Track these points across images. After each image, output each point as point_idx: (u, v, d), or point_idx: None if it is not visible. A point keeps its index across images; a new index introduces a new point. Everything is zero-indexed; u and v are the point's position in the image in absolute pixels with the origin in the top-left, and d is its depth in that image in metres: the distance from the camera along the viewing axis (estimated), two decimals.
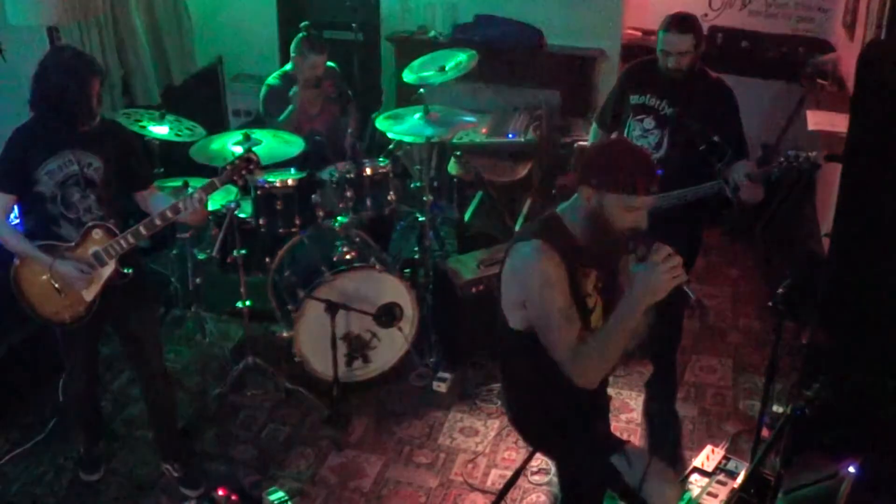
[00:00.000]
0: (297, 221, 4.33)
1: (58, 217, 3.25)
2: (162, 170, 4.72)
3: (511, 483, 2.88)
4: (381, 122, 4.59)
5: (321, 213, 4.30)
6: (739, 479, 3.36)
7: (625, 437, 3.94)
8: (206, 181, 3.42)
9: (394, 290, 4.20)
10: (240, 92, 6.57)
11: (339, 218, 4.28)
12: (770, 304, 3.08)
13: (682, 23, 3.61)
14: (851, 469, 2.91)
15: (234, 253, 4.13)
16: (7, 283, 3.33)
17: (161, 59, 5.97)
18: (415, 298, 4.27)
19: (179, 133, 4.59)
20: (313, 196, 4.30)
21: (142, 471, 3.83)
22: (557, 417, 2.75)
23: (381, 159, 4.60)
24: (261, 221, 4.32)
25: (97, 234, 3.28)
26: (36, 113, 3.22)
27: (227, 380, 4.28)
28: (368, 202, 4.40)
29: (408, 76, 4.92)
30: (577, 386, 2.51)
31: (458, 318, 4.40)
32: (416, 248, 5.10)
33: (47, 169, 3.19)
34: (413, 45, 6.02)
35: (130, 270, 3.35)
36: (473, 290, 4.34)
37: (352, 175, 4.31)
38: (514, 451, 3.94)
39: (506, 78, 6.02)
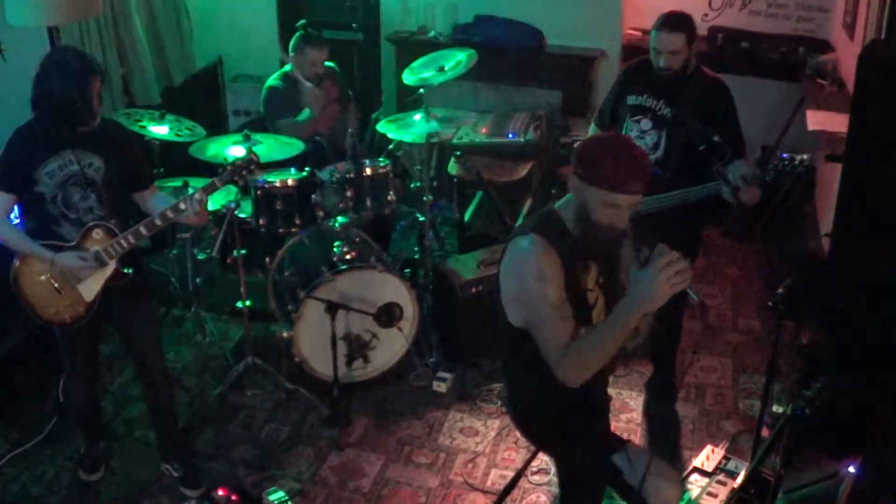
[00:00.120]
0: (297, 221, 4.33)
1: (58, 217, 3.25)
2: (162, 170, 4.72)
3: (513, 484, 2.88)
4: (383, 126, 4.59)
5: (321, 213, 4.31)
6: (739, 479, 3.37)
7: (625, 437, 3.94)
8: (206, 181, 3.42)
9: (394, 290, 4.20)
10: (240, 92, 6.57)
11: (339, 218, 4.28)
12: (770, 304, 3.08)
13: (673, 21, 3.59)
14: (851, 469, 2.92)
15: (234, 253, 4.13)
16: (7, 283, 3.34)
17: (161, 59, 5.97)
18: (415, 298, 4.27)
19: (179, 133, 4.59)
20: (313, 196, 4.30)
21: (142, 471, 3.83)
22: (558, 415, 2.75)
23: (381, 159, 4.60)
24: (261, 221, 4.32)
25: (97, 234, 3.28)
26: (37, 113, 3.22)
27: (227, 380, 4.28)
28: (368, 202, 4.39)
29: (408, 76, 4.92)
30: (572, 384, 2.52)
31: (458, 318, 4.40)
32: (416, 248, 5.11)
33: (48, 169, 3.19)
34: (413, 46, 6.02)
35: (131, 270, 3.35)
36: (473, 290, 4.34)
37: (352, 175, 4.31)
38: (514, 451, 3.94)
39: (506, 78, 6.02)
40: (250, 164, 3.46)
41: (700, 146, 3.51)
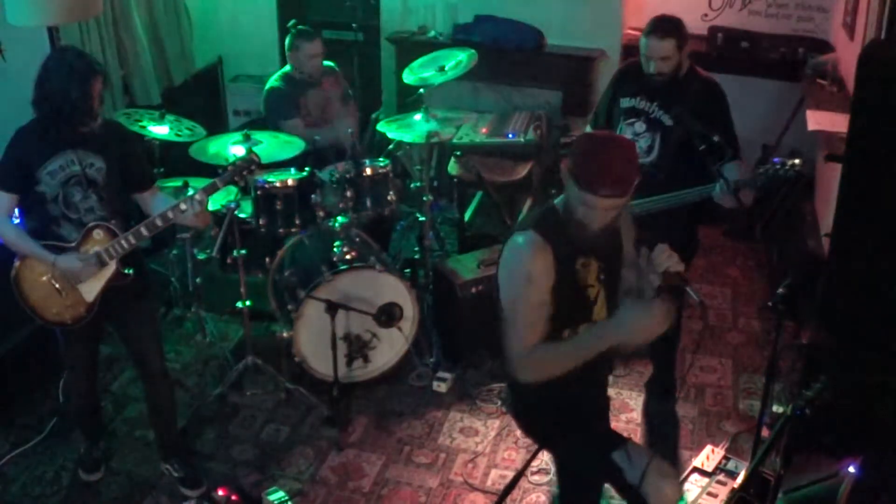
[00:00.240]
0: (297, 221, 4.33)
1: (59, 217, 3.25)
2: (162, 170, 4.72)
3: (513, 484, 2.88)
4: (383, 126, 4.59)
5: (321, 213, 4.30)
6: (739, 479, 3.37)
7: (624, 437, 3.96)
8: (207, 181, 3.42)
9: (394, 290, 4.20)
10: (240, 92, 6.57)
11: (339, 218, 4.28)
12: (770, 304, 3.08)
13: (663, 28, 3.56)
14: (851, 469, 2.92)
15: (234, 253, 4.13)
16: (8, 284, 3.33)
17: (161, 59, 5.97)
18: (415, 298, 4.27)
19: (179, 133, 4.59)
20: (313, 196, 4.30)
21: (142, 471, 3.83)
22: (558, 413, 2.75)
23: (381, 159, 4.60)
24: (261, 221, 4.32)
25: (98, 234, 3.28)
26: (38, 113, 3.22)
27: (227, 380, 4.28)
28: (368, 202, 4.40)
29: (408, 76, 4.92)
30: (578, 381, 2.54)
31: (458, 318, 4.40)
32: (416, 248, 5.11)
33: (49, 168, 3.19)
34: (413, 46, 6.02)
35: (131, 271, 3.35)
36: (473, 290, 4.34)
37: (352, 175, 4.31)
38: (514, 451, 3.94)
39: (506, 78, 6.02)
40: (251, 164, 3.47)
41: (700, 146, 3.51)
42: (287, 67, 4.98)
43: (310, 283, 4.10)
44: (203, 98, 6.43)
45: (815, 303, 3.53)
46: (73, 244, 3.26)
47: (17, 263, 3.31)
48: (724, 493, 3.35)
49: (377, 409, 4.23)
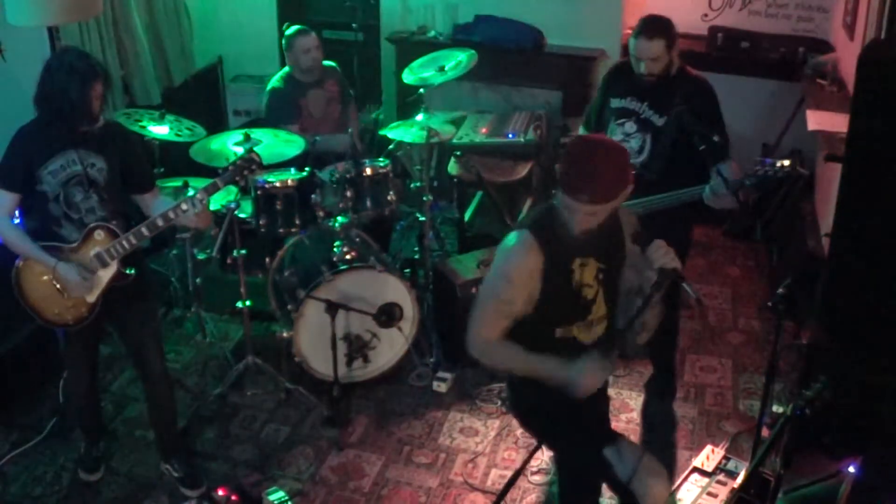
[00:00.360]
0: (297, 221, 4.33)
1: (60, 217, 3.25)
2: (162, 170, 4.72)
3: (511, 483, 2.88)
4: (383, 130, 4.61)
5: (321, 213, 4.31)
6: (739, 479, 3.37)
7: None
8: (207, 181, 3.42)
9: (394, 290, 4.20)
10: (240, 92, 6.57)
11: (339, 218, 4.28)
12: (770, 304, 3.08)
13: (652, 28, 3.55)
14: (851, 469, 2.92)
15: (234, 253, 4.13)
16: (8, 284, 3.33)
17: (161, 59, 5.97)
18: (415, 298, 4.27)
19: (179, 133, 4.59)
20: (313, 196, 4.30)
21: (142, 471, 3.84)
22: (555, 408, 2.75)
23: (381, 159, 4.60)
24: (261, 221, 4.32)
25: (99, 234, 3.28)
26: (39, 112, 3.22)
27: (227, 380, 4.28)
28: (368, 202, 4.40)
29: (408, 76, 4.92)
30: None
31: (458, 318, 4.38)
32: (416, 248, 5.10)
33: (50, 168, 3.19)
34: (413, 46, 6.01)
35: (133, 271, 3.35)
36: (473, 290, 4.33)
37: (352, 175, 4.31)
38: (514, 451, 3.94)
39: (506, 78, 6.02)
40: (251, 164, 3.47)
41: (700, 147, 3.51)
42: (287, 68, 4.98)
43: (310, 283, 4.10)
44: (203, 98, 6.43)
45: (815, 303, 3.53)
46: (73, 245, 3.26)
47: (18, 263, 3.31)
48: (724, 493, 3.35)
49: (377, 409, 4.23)
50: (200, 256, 4.58)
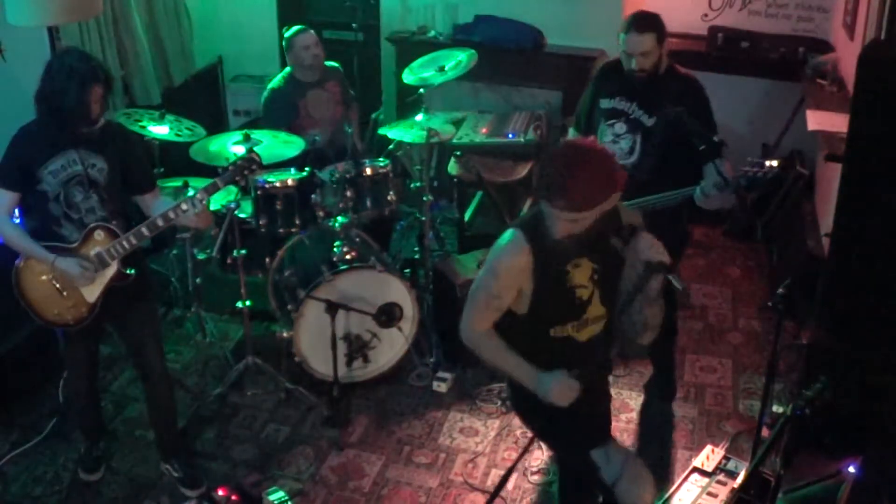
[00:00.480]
0: (297, 221, 4.33)
1: (60, 217, 3.25)
2: (162, 170, 4.72)
3: (504, 480, 2.88)
4: (382, 129, 4.60)
5: (321, 213, 4.31)
6: (739, 479, 3.37)
7: (624, 437, 3.97)
8: (207, 181, 3.42)
9: (394, 290, 4.20)
10: (240, 92, 6.57)
11: (339, 218, 4.28)
12: (770, 304, 3.08)
13: (642, 22, 3.53)
14: (851, 469, 2.92)
15: (234, 253, 4.13)
16: (8, 284, 3.33)
17: (161, 59, 5.97)
18: (415, 298, 4.27)
19: (179, 133, 4.59)
20: (313, 196, 4.30)
21: (142, 471, 3.84)
22: (553, 406, 2.75)
23: (381, 159, 4.60)
24: (261, 221, 4.32)
25: (99, 235, 3.28)
26: (38, 112, 3.22)
27: (227, 380, 4.28)
28: (368, 202, 4.40)
29: (408, 76, 4.92)
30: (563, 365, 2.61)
31: (458, 318, 4.38)
32: (416, 248, 5.10)
33: (51, 168, 3.19)
34: (413, 46, 6.01)
35: (133, 271, 3.35)
36: None
37: (352, 175, 4.31)
38: (513, 451, 3.94)
39: (506, 78, 6.01)
40: (251, 164, 3.47)
41: (700, 146, 3.50)
42: (289, 68, 4.98)
43: (310, 283, 4.10)
44: (203, 98, 6.43)
45: (815, 303, 3.53)
46: (74, 245, 3.26)
47: (18, 263, 3.31)
48: (724, 493, 3.35)
49: (377, 409, 4.23)
50: (200, 256, 4.58)
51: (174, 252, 4.89)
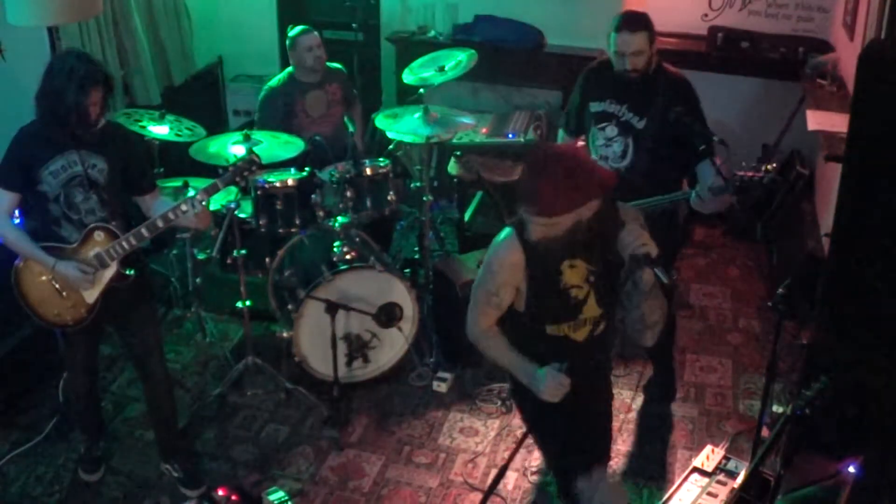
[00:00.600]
0: (297, 221, 4.33)
1: (60, 218, 3.25)
2: (162, 170, 4.72)
3: (499, 477, 2.87)
4: (380, 121, 4.60)
5: (321, 213, 4.31)
6: (739, 479, 3.36)
7: (624, 436, 3.97)
8: (207, 182, 3.42)
9: (394, 290, 4.20)
10: (240, 92, 6.57)
11: (339, 218, 4.28)
12: (770, 304, 3.08)
13: (634, 21, 3.52)
14: (851, 469, 2.91)
15: (234, 253, 4.13)
16: (8, 284, 3.33)
17: (161, 59, 5.97)
18: (415, 298, 4.27)
19: (179, 133, 4.60)
20: (313, 196, 4.30)
21: (142, 471, 3.84)
22: (528, 391, 2.76)
23: (381, 159, 4.60)
24: (261, 221, 4.32)
25: (98, 235, 3.28)
26: (38, 112, 3.22)
27: (227, 380, 4.28)
28: (368, 202, 4.40)
29: (408, 76, 4.92)
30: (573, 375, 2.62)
31: (458, 318, 4.37)
32: (416, 248, 5.10)
33: (51, 168, 3.19)
34: (413, 45, 6.02)
35: (132, 272, 3.35)
36: None
37: (352, 175, 4.31)
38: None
39: (506, 78, 6.02)
40: (251, 164, 3.46)
41: (700, 146, 3.50)
42: (291, 68, 4.98)
43: (310, 283, 4.10)
44: (203, 98, 6.43)
45: (815, 303, 3.52)
46: (73, 245, 3.26)
47: (17, 264, 3.31)
48: (724, 493, 3.34)
49: (377, 409, 4.23)
50: (200, 256, 4.58)
51: (174, 252, 4.89)
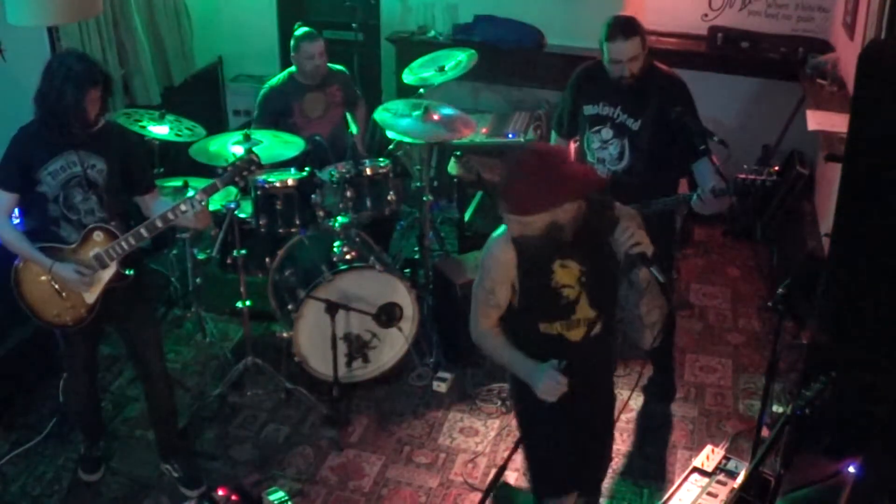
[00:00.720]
0: (297, 221, 4.33)
1: (59, 218, 3.25)
2: (162, 170, 4.72)
3: (497, 477, 2.87)
4: (378, 114, 4.60)
5: (321, 213, 4.30)
6: (739, 479, 3.36)
7: (624, 436, 3.97)
8: (207, 182, 3.42)
9: (394, 290, 4.20)
10: (240, 92, 6.57)
11: (339, 218, 4.28)
12: (770, 304, 3.07)
13: (627, 28, 3.50)
14: (851, 469, 2.91)
15: (234, 253, 4.13)
16: (8, 284, 3.33)
17: (161, 59, 5.97)
18: (415, 298, 4.27)
19: (179, 133, 4.60)
20: (313, 196, 4.30)
21: (142, 471, 3.84)
22: (526, 393, 2.75)
23: (381, 159, 4.60)
24: (261, 221, 4.32)
25: (98, 236, 3.28)
26: (37, 112, 3.22)
27: (227, 380, 4.28)
28: (368, 202, 4.39)
29: (408, 76, 4.92)
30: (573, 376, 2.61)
31: (458, 318, 4.39)
32: (416, 248, 5.10)
33: (50, 169, 3.19)
34: (413, 45, 6.02)
35: (132, 272, 3.35)
36: None
37: (352, 175, 4.31)
38: None
39: (506, 78, 6.02)
40: (250, 164, 3.46)
41: (701, 146, 3.50)
42: (292, 68, 4.98)
43: (310, 283, 4.10)
44: (203, 98, 6.43)
45: (815, 303, 3.52)
46: (73, 245, 3.26)
47: (17, 264, 3.31)
48: (724, 493, 3.34)
49: (377, 409, 4.23)
50: (200, 256, 4.58)
51: (174, 252, 4.89)
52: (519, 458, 3.84)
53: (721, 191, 3.39)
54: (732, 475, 3.42)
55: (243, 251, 4.14)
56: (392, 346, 4.33)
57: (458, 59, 4.88)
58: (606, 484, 3.69)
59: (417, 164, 5.00)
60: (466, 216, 5.44)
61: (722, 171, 3.47)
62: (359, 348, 4.26)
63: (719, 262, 5.47)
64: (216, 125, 5.93)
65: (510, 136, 5.41)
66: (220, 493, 3.43)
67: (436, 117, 4.48)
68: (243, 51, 6.61)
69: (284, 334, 4.24)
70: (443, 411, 4.20)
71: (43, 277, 3.29)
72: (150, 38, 5.83)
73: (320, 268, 4.16)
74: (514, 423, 3.99)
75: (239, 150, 4.09)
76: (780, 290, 3.06)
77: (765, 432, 3.44)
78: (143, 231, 3.28)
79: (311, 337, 4.13)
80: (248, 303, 4.24)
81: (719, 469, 3.46)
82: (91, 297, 3.32)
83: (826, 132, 4.40)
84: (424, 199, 4.61)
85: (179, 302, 4.84)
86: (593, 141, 3.73)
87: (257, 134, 4.34)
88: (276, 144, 4.35)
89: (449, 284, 4.40)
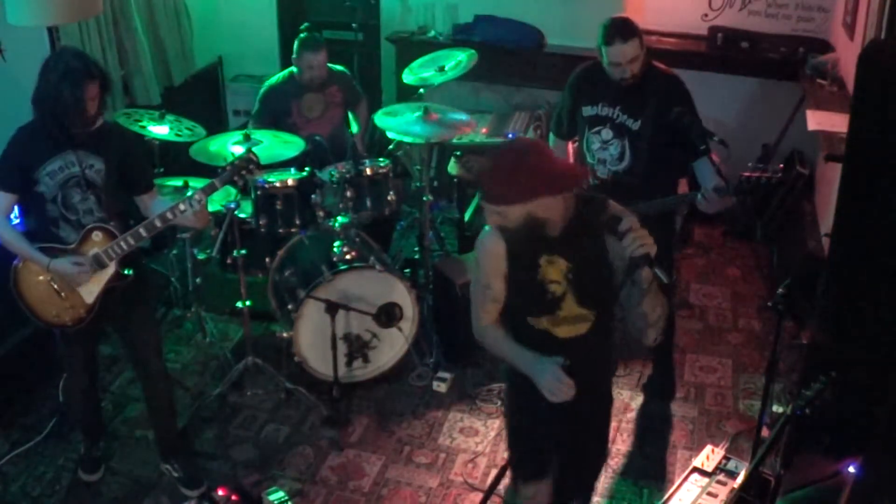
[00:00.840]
0: (297, 221, 4.33)
1: (58, 218, 3.25)
2: (162, 170, 4.72)
3: (498, 478, 2.88)
4: (378, 118, 4.60)
5: (321, 213, 4.31)
6: (739, 479, 3.37)
7: (623, 436, 3.97)
8: (206, 182, 3.42)
9: (394, 290, 4.20)
10: (240, 92, 6.57)
11: (339, 218, 4.28)
12: (770, 304, 3.08)
13: (625, 31, 3.49)
14: (851, 469, 2.91)
15: (234, 253, 4.13)
16: (7, 284, 3.33)
17: (161, 59, 5.97)
18: (415, 298, 4.27)
19: (179, 133, 4.59)
20: (313, 196, 4.30)
21: (142, 471, 3.84)
22: (520, 389, 2.77)
23: (381, 159, 4.60)
24: (261, 221, 4.32)
25: (97, 236, 3.28)
26: (36, 112, 3.22)
27: (227, 380, 4.28)
28: (368, 202, 4.39)
29: (408, 76, 4.92)
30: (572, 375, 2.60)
31: (458, 318, 4.39)
32: (416, 248, 5.10)
33: (48, 169, 3.19)
34: (413, 45, 6.02)
35: (131, 272, 3.35)
36: None
37: (352, 175, 4.31)
38: None
39: (506, 78, 6.02)
40: (249, 163, 3.46)
41: (701, 146, 3.50)
42: (293, 67, 4.98)
43: (310, 283, 4.10)
44: (203, 98, 6.43)
45: (815, 303, 3.52)
46: (72, 246, 3.26)
47: (16, 264, 3.31)
48: (724, 493, 3.35)
49: (377, 409, 4.23)
50: (200, 256, 4.58)
51: (174, 252, 4.89)
52: None
53: (723, 189, 3.39)
54: (732, 475, 3.42)
55: (243, 251, 4.14)
56: (392, 346, 4.33)
57: (458, 60, 4.88)
58: (606, 484, 3.70)
59: (417, 164, 5.00)
60: (466, 216, 5.44)
61: (722, 171, 3.47)
62: (359, 348, 4.26)
63: (719, 262, 5.47)
64: (216, 125, 5.93)
65: (510, 136, 5.41)
66: (220, 493, 3.43)
67: (435, 117, 4.48)
68: (243, 51, 6.61)
69: (284, 334, 4.24)
70: (443, 411, 4.20)
71: (42, 277, 3.29)
72: (150, 38, 5.83)
73: (320, 268, 4.16)
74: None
75: (239, 150, 4.09)
76: (780, 290, 3.06)
77: (765, 432, 3.44)
78: (142, 231, 3.27)
79: (311, 337, 4.13)
80: (248, 303, 4.25)
81: (719, 469, 3.46)
82: (90, 297, 3.32)
83: (826, 132, 4.40)
84: (424, 199, 4.61)
85: (179, 302, 4.84)
86: (593, 142, 3.73)
87: (257, 134, 4.34)
88: (276, 144, 4.35)
89: (449, 284, 4.40)
